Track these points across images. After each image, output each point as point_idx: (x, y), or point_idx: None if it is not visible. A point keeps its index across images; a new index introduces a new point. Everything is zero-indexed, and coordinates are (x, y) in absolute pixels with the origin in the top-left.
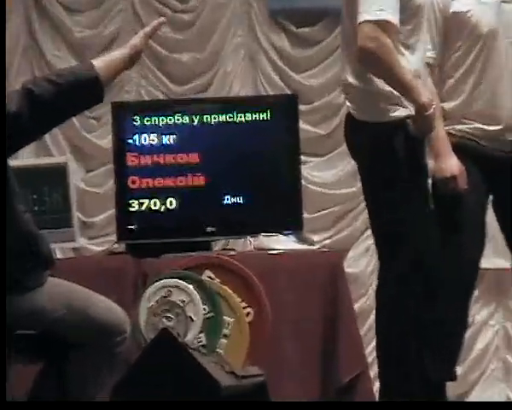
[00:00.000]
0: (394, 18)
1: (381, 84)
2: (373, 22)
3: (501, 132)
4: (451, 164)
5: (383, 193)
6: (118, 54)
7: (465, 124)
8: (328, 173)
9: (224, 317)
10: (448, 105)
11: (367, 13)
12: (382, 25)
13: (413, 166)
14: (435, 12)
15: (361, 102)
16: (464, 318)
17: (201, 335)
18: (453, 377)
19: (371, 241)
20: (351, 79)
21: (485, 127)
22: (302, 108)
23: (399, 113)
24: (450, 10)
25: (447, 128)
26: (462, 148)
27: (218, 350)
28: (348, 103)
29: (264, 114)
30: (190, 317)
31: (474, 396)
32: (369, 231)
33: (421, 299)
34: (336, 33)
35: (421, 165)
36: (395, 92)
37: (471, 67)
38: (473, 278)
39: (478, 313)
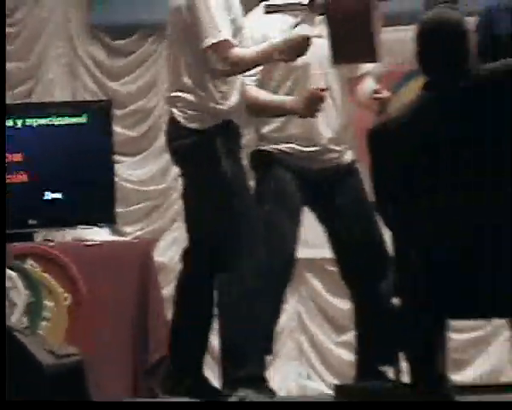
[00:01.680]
0: (230, 35)
1: (206, 96)
2: (218, 43)
3: (318, 153)
4: None
5: (207, 194)
6: None
7: (281, 144)
8: (141, 172)
9: (45, 301)
10: (264, 129)
11: (211, 36)
12: (224, 43)
13: (234, 168)
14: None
15: (189, 111)
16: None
17: (24, 318)
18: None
19: (178, 233)
20: (182, 94)
21: (302, 148)
22: (117, 112)
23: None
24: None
25: (264, 148)
26: (278, 159)
27: (39, 332)
28: (176, 112)
29: (82, 118)
30: (14, 302)
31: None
32: (177, 224)
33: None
34: (147, 45)
35: (241, 167)
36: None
37: (286, 96)
38: (290, 270)
39: None
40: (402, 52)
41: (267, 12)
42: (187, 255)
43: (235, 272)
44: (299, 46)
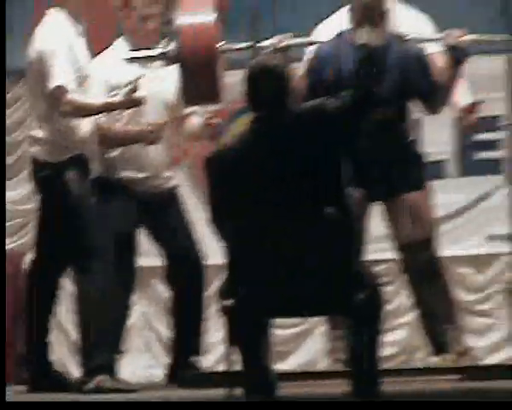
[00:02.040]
0: (67, 79)
1: (58, 135)
2: (55, 88)
3: (149, 179)
4: None
5: (58, 216)
6: None
7: (120, 172)
8: (14, 193)
9: None
10: (104, 158)
11: (51, 82)
12: (59, 88)
13: (82, 195)
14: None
15: (44, 147)
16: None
17: None
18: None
19: None
20: (37, 132)
21: (136, 175)
22: None
23: (69, 154)
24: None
25: (104, 175)
26: (116, 185)
27: None
28: (33, 148)
29: None
30: None
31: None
32: None
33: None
34: (17, 88)
35: (88, 193)
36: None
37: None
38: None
39: None
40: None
41: (129, 62)
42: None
43: (86, 278)
44: (133, 104)
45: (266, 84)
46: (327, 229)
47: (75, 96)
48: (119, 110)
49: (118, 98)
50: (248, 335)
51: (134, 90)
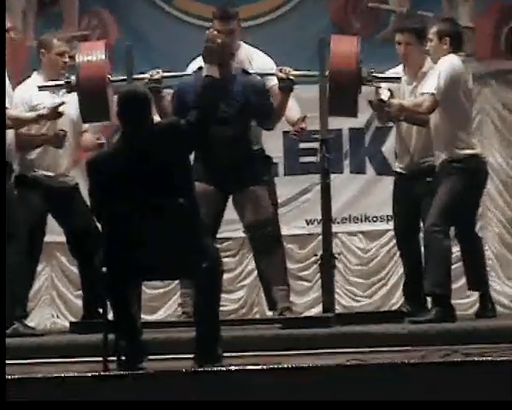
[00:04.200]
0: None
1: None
2: None
3: (57, 177)
4: None
5: None
6: None
7: (35, 170)
8: None
9: None
10: (22, 159)
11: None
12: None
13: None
14: None
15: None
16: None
17: None
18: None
19: None
20: None
21: (47, 173)
22: None
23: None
24: None
25: (23, 173)
26: (32, 181)
27: None
28: None
29: None
30: None
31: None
32: None
33: None
34: None
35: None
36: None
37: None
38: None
39: None
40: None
41: (40, 89)
42: None
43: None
44: (57, 116)
45: (131, 105)
46: (178, 215)
47: (12, 112)
48: (45, 120)
49: (45, 111)
50: (118, 294)
51: (57, 106)
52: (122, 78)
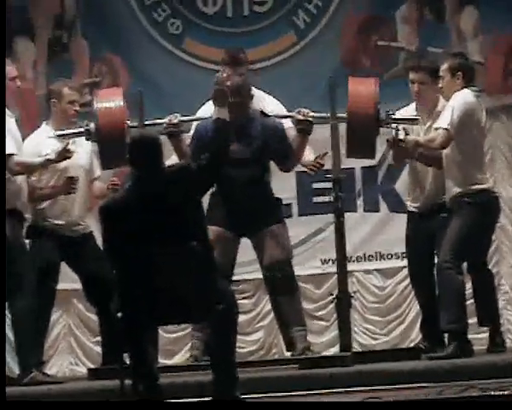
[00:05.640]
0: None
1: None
2: (8, 155)
3: (70, 225)
4: None
5: None
6: None
7: (47, 220)
8: None
9: None
10: (35, 210)
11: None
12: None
13: (17, 241)
14: None
15: None
16: None
17: None
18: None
19: None
20: None
21: (59, 222)
22: None
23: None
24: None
25: (35, 223)
26: (44, 229)
27: None
28: None
29: None
30: None
31: None
32: None
33: None
34: None
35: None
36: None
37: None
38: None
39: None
40: None
41: (58, 137)
42: None
43: (18, 299)
44: (66, 157)
45: (142, 150)
46: (191, 258)
47: (20, 158)
48: (54, 163)
49: (53, 155)
50: (135, 339)
51: (64, 148)
52: (141, 123)
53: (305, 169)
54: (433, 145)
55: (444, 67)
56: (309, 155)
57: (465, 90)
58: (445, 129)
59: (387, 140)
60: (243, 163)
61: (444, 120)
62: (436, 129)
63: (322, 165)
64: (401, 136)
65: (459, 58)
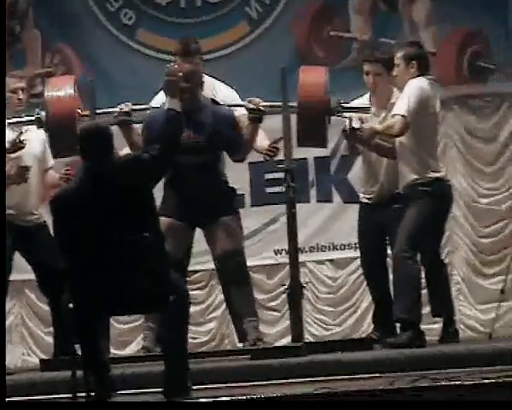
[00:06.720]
0: None
1: None
2: None
3: (26, 215)
4: None
5: None
6: None
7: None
8: None
9: None
10: None
11: None
12: None
13: None
14: None
15: None
16: None
17: None
18: None
19: None
20: None
21: (11, 212)
22: None
23: None
24: None
25: None
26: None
27: None
28: None
29: None
30: None
31: None
32: None
33: None
34: None
35: None
36: None
37: None
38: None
39: None
40: None
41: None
42: None
43: None
44: (19, 148)
45: (92, 140)
46: (143, 248)
47: None
48: (7, 153)
49: (7, 146)
50: (86, 331)
51: (17, 139)
52: (93, 112)
53: (261, 157)
54: (392, 132)
55: (398, 55)
56: (263, 140)
57: (420, 78)
58: (403, 116)
59: (343, 129)
60: (194, 150)
61: (401, 107)
62: (393, 116)
63: (278, 149)
64: (356, 125)
65: (414, 47)
